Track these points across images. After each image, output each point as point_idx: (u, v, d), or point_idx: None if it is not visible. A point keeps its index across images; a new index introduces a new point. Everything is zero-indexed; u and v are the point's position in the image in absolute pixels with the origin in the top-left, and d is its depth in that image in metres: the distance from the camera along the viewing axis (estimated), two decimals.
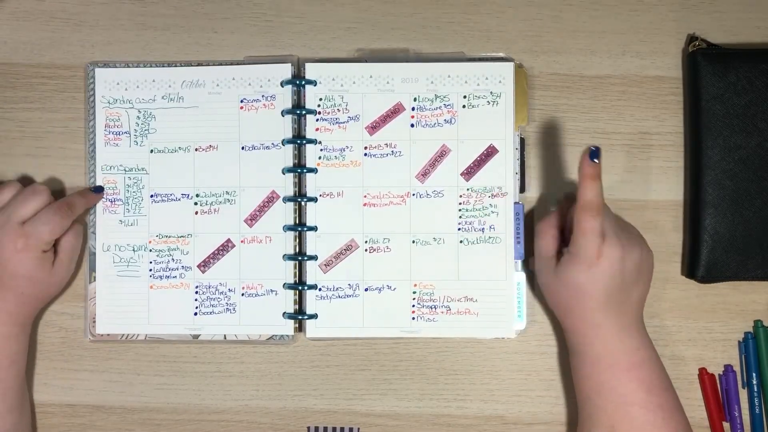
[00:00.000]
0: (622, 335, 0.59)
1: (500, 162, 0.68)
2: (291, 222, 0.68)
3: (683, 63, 0.69)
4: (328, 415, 0.68)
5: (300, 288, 0.68)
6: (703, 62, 0.66)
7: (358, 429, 0.68)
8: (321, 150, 0.68)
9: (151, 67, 0.69)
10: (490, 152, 0.68)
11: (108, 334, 0.69)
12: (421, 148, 0.68)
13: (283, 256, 0.68)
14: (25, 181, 0.70)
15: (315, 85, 0.68)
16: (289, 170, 0.68)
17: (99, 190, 0.69)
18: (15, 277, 0.63)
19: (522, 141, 0.68)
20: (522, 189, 0.68)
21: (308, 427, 0.69)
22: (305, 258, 0.68)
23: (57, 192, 0.70)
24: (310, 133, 0.68)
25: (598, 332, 0.59)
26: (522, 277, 0.67)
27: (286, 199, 0.68)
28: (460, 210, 0.68)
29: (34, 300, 0.65)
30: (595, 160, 0.57)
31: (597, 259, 0.58)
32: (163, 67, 0.69)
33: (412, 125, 0.68)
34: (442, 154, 0.68)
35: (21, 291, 0.64)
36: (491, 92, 0.68)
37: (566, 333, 0.62)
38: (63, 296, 0.69)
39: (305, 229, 0.68)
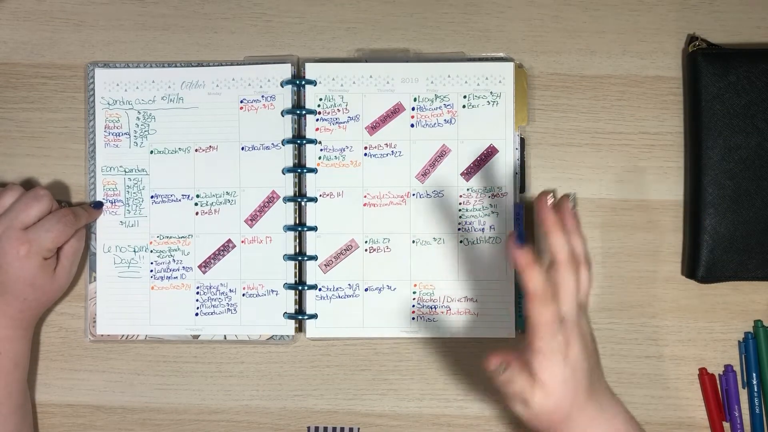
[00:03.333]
0: (599, 412, 0.56)
1: (500, 162, 0.68)
2: (291, 222, 0.68)
3: (683, 63, 0.68)
4: (328, 415, 0.68)
5: (300, 288, 0.68)
6: (703, 62, 0.66)
7: (359, 429, 0.68)
8: (321, 150, 0.68)
9: (150, 67, 0.69)
10: (490, 152, 0.68)
11: (108, 335, 0.69)
12: (421, 148, 0.68)
13: (284, 256, 0.68)
14: (27, 184, 0.70)
15: (315, 85, 0.68)
16: (289, 170, 0.68)
17: (99, 205, 0.69)
18: (17, 283, 0.63)
19: (522, 141, 0.68)
20: (522, 189, 0.68)
21: (308, 427, 0.69)
22: (305, 258, 0.68)
23: (59, 194, 0.70)
24: (310, 133, 0.68)
25: (583, 424, 0.55)
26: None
27: (286, 199, 0.68)
28: (460, 210, 0.68)
29: (37, 304, 0.65)
30: (522, 244, 0.54)
31: (568, 348, 0.53)
32: (163, 67, 0.69)
33: (412, 125, 0.68)
34: (442, 154, 0.68)
35: (23, 296, 0.64)
36: (491, 92, 0.68)
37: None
38: (63, 296, 0.69)
39: (305, 229, 0.68)
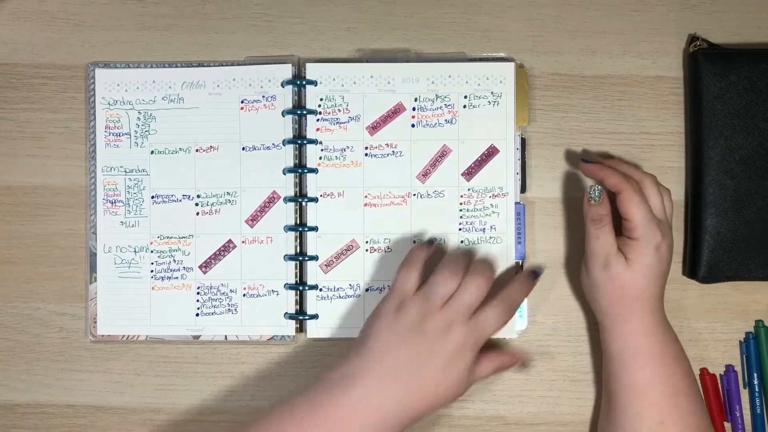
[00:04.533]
0: (665, 325, 0.61)
1: (501, 162, 0.67)
2: (292, 222, 0.68)
3: (684, 63, 0.68)
4: None
5: (301, 288, 0.68)
6: (704, 62, 0.66)
7: None
8: (321, 150, 0.68)
9: (151, 67, 0.69)
10: (490, 152, 0.68)
11: (109, 335, 0.69)
12: (421, 148, 0.68)
13: (284, 256, 0.68)
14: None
15: (315, 86, 0.68)
16: (290, 170, 0.68)
17: (535, 275, 0.63)
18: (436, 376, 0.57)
19: (523, 141, 0.68)
20: (523, 189, 0.68)
21: None
22: (306, 258, 0.68)
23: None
24: (310, 134, 0.68)
25: (651, 322, 0.60)
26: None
27: (287, 200, 0.68)
28: (461, 210, 0.68)
29: (423, 406, 0.57)
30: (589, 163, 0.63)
31: (662, 241, 0.60)
32: (164, 67, 0.69)
33: (413, 125, 0.68)
34: (443, 154, 0.68)
35: (430, 392, 0.57)
36: (492, 92, 0.68)
37: (615, 328, 0.61)
38: (63, 296, 0.69)
39: (306, 229, 0.68)
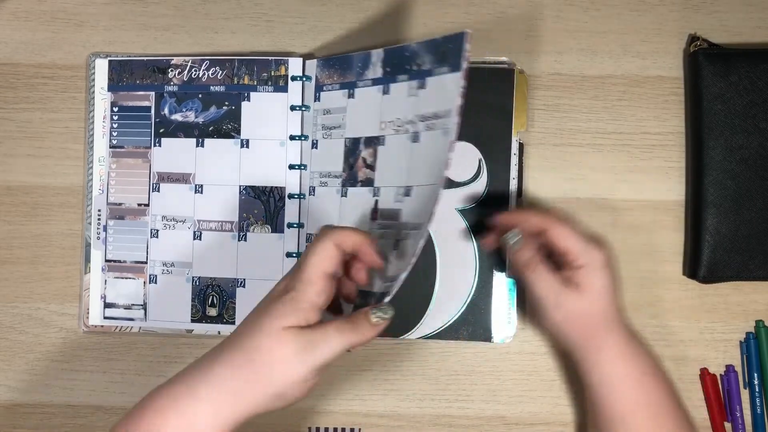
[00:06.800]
0: (636, 341, 0.59)
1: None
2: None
3: (684, 63, 0.68)
4: (329, 415, 0.68)
5: None
6: (705, 62, 0.66)
7: (359, 429, 0.68)
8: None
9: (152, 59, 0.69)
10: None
11: (101, 326, 0.69)
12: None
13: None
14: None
15: (311, 81, 0.68)
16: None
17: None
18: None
19: (521, 146, 0.68)
20: (520, 194, 0.68)
21: (309, 428, 0.68)
22: (296, 255, 0.68)
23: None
24: (310, 130, 0.68)
25: (622, 343, 0.58)
26: (512, 282, 0.67)
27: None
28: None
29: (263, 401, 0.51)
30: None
31: (605, 255, 0.58)
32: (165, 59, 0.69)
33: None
34: None
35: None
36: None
37: (591, 358, 0.59)
38: (63, 296, 0.69)
39: (297, 225, 0.68)
